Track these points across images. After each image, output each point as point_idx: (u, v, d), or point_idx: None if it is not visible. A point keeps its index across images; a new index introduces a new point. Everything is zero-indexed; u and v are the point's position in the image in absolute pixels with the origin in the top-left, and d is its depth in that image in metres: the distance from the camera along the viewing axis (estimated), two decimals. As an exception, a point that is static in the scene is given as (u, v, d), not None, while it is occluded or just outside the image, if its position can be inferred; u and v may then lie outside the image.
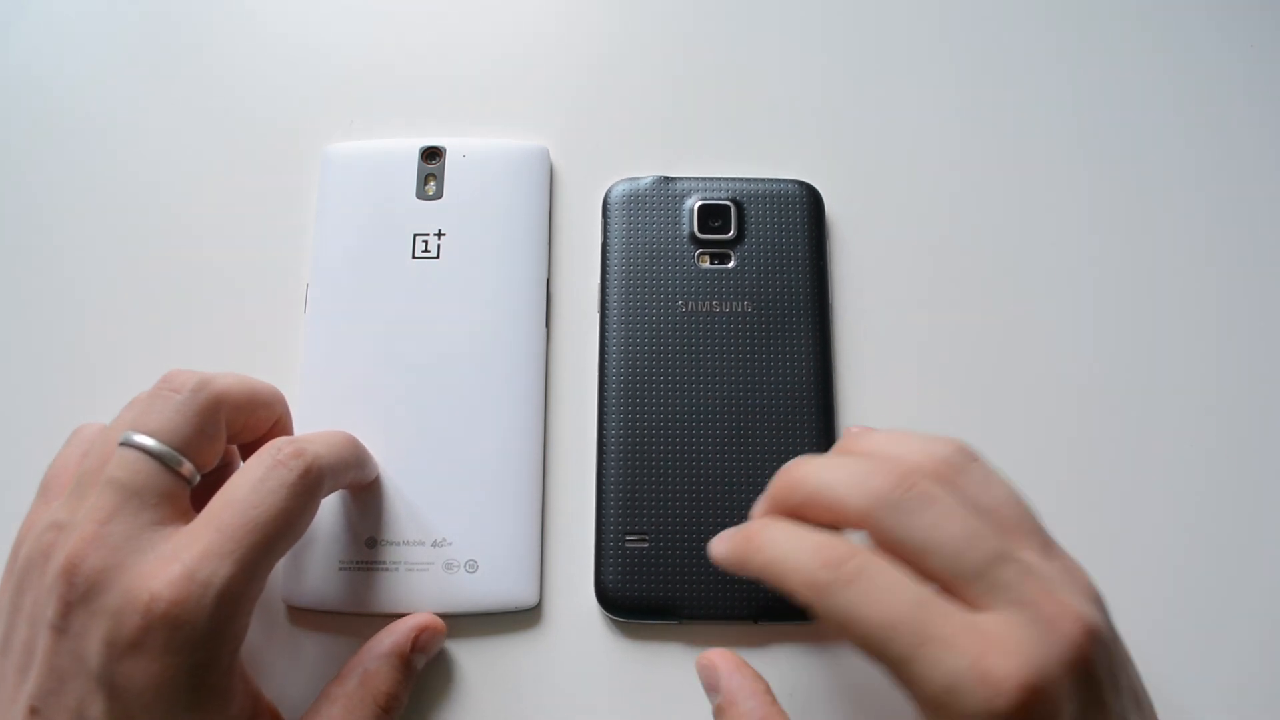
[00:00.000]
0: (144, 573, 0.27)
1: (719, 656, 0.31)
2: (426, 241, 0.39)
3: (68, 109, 0.44)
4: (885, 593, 0.25)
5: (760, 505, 0.31)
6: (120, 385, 0.35)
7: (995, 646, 0.24)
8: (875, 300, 0.40)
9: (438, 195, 0.40)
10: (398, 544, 0.36)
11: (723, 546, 0.30)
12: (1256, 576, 0.37)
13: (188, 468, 0.29)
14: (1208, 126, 0.43)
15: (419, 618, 0.34)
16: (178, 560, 0.27)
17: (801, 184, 0.41)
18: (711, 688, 0.31)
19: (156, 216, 0.42)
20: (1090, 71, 0.44)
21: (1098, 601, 0.27)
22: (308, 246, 0.41)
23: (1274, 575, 0.37)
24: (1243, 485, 0.38)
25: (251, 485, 0.29)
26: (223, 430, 0.31)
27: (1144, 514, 0.38)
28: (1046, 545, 0.27)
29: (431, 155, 0.41)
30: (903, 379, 0.40)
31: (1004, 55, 0.45)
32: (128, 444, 0.29)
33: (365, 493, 0.36)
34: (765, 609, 0.35)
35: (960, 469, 0.28)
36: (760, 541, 0.28)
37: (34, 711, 0.27)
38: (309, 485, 0.30)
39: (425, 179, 0.40)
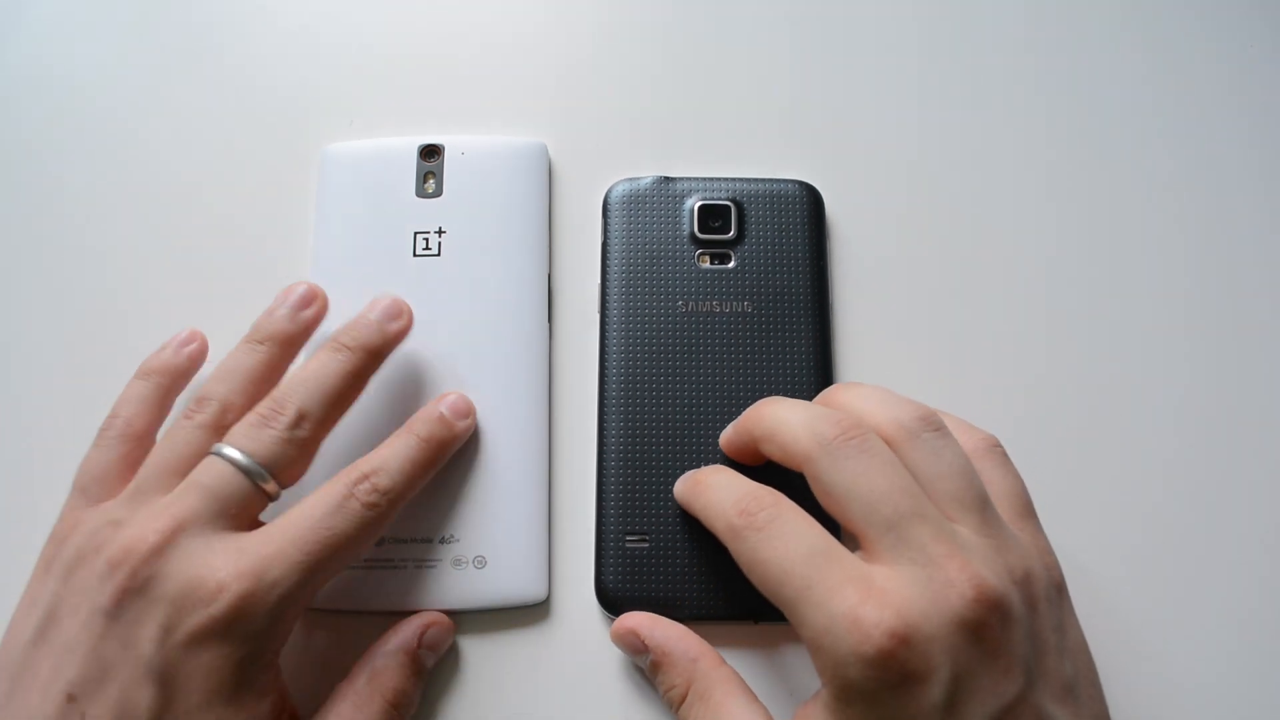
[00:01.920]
0: (213, 564, 0.29)
1: (631, 619, 0.34)
2: (427, 239, 0.41)
3: (67, 110, 0.45)
4: (786, 540, 0.28)
5: (727, 432, 0.35)
6: (121, 383, 0.37)
7: (875, 596, 0.26)
8: (875, 300, 0.42)
9: (437, 193, 0.41)
10: (405, 541, 0.37)
11: (679, 486, 0.35)
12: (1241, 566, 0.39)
13: (272, 486, 0.32)
14: (1209, 128, 0.45)
15: (426, 615, 0.35)
16: (248, 557, 0.29)
17: (801, 184, 0.42)
18: (637, 650, 0.34)
19: (157, 217, 0.43)
20: (1091, 72, 0.46)
21: (1025, 579, 0.28)
22: (308, 246, 0.42)
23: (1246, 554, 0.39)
24: (1248, 498, 0.40)
25: (328, 509, 0.31)
26: (312, 457, 0.34)
27: (1144, 508, 0.39)
28: (985, 523, 0.29)
29: (430, 153, 0.42)
30: (902, 379, 0.41)
31: (1005, 56, 0.46)
32: (219, 455, 0.31)
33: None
34: (765, 609, 0.36)
35: (913, 434, 0.30)
36: (702, 485, 0.33)
37: (71, 699, 0.28)
38: (379, 517, 0.32)
39: (425, 177, 0.42)
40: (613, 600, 0.37)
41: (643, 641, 0.33)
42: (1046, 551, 0.31)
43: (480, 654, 0.37)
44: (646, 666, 0.33)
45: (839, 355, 0.41)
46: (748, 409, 0.33)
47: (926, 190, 0.44)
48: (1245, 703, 0.37)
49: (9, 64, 0.45)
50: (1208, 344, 0.42)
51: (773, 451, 0.31)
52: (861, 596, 0.26)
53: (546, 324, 0.40)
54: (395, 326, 0.36)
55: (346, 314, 0.39)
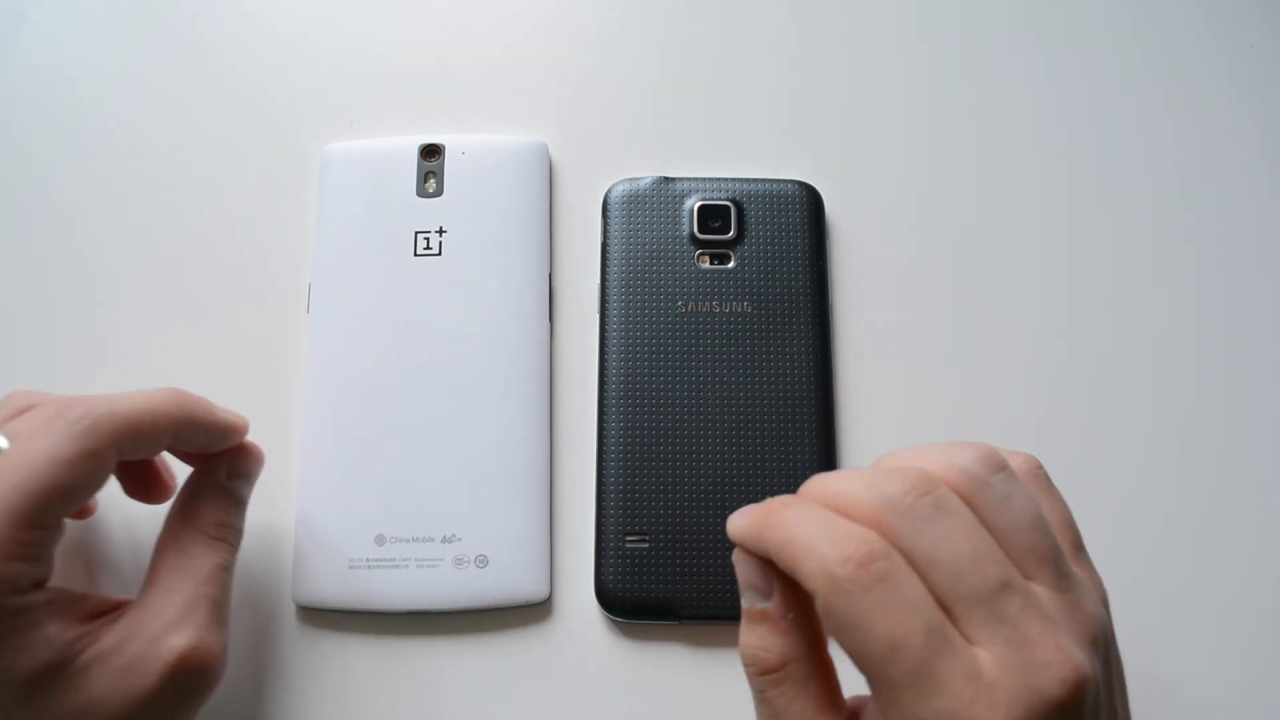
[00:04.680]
0: None
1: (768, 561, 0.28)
2: (428, 239, 0.42)
3: (68, 111, 0.46)
4: (901, 610, 0.24)
5: (743, 520, 0.30)
6: (121, 384, 0.38)
7: (984, 694, 0.24)
8: (875, 300, 0.43)
9: (438, 192, 0.42)
10: (407, 540, 0.38)
11: (742, 520, 0.28)
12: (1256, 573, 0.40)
13: None
14: (1210, 130, 0.45)
15: (227, 451, 0.35)
16: None
17: (801, 184, 0.43)
18: (758, 589, 0.29)
19: (157, 217, 0.44)
20: (1093, 73, 0.46)
21: (1097, 641, 0.27)
22: (309, 246, 0.43)
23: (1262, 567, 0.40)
24: (1258, 507, 0.41)
25: (24, 439, 0.30)
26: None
27: (1145, 508, 0.40)
28: (1060, 576, 0.27)
29: (431, 153, 0.43)
30: (902, 379, 0.42)
31: (1005, 58, 0.47)
32: None
33: (370, 489, 0.39)
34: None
35: (981, 482, 0.28)
36: (783, 518, 0.27)
37: None
38: (89, 436, 0.30)
39: (425, 176, 0.43)
40: (612, 600, 0.38)
41: (771, 587, 0.28)
42: (1100, 586, 0.29)
43: (481, 654, 0.38)
44: (751, 610, 0.29)
45: (838, 355, 0.42)
46: (769, 506, 0.28)
47: (926, 190, 0.44)
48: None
49: (11, 66, 0.46)
50: (1211, 347, 0.42)
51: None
52: (973, 694, 0.24)
53: (547, 324, 0.41)
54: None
55: (347, 313, 0.41)
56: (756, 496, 0.38)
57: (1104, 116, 0.46)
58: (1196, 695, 0.38)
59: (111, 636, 0.30)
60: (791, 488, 0.38)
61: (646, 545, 0.38)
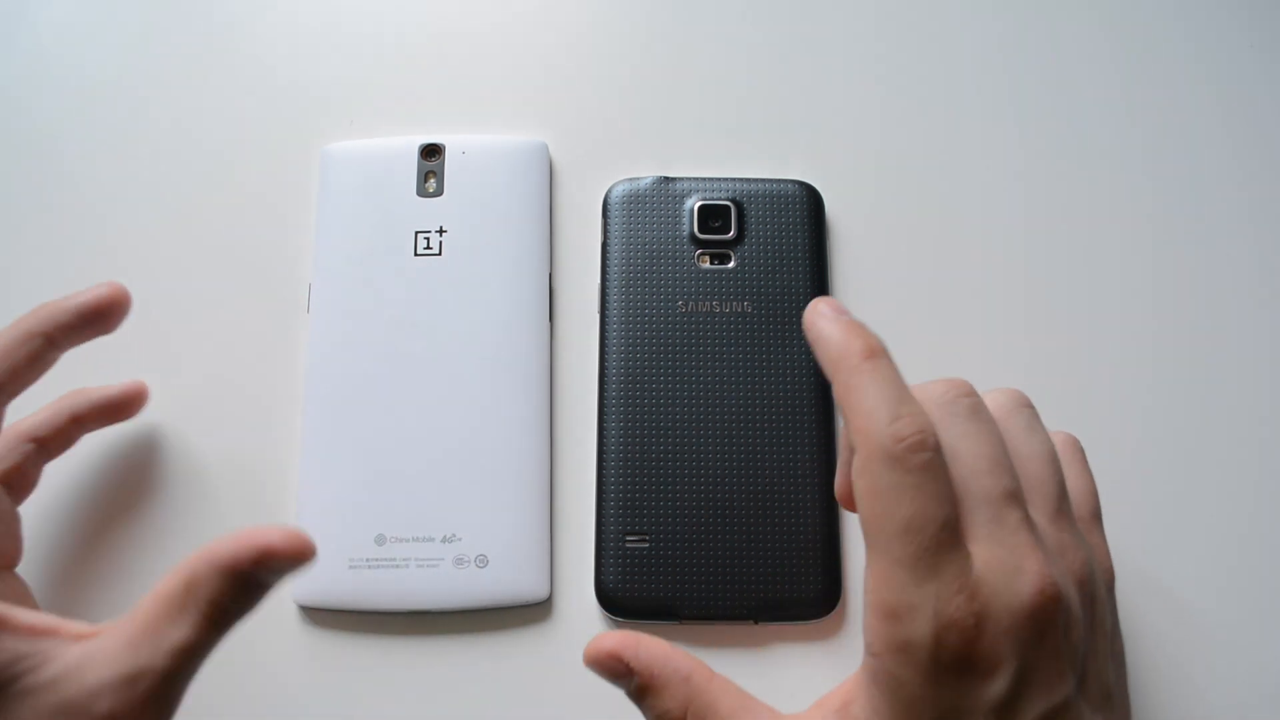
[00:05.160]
0: None
1: (607, 640, 0.30)
2: (428, 238, 0.42)
3: (69, 111, 0.46)
4: (928, 500, 0.26)
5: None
6: (119, 378, 0.38)
7: (967, 589, 0.26)
8: (875, 300, 0.43)
9: (438, 192, 0.42)
10: (407, 540, 0.38)
11: (835, 329, 0.29)
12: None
13: None
14: (1211, 130, 0.46)
15: (273, 535, 0.27)
16: None
17: (801, 184, 0.43)
18: (619, 674, 0.30)
19: (157, 217, 0.44)
20: (1092, 73, 0.46)
21: (1082, 582, 0.28)
22: (309, 246, 0.43)
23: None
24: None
25: None
26: None
27: (1145, 507, 0.40)
28: (1058, 514, 0.29)
29: (431, 152, 0.43)
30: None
31: (1005, 56, 0.47)
32: None
33: (370, 489, 0.39)
34: (765, 609, 0.38)
35: (1010, 410, 0.31)
36: (861, 365, 0.28)
37: None
38: None
39: (425, 176, 0.43)
40: (613, 600, 0.38)
41: (626, 665, 0.30)
42: (1106, 557, 0.31)
43: (481, 653, 0.38)
44: (632, 691, 0.30)
45: (839, 355, 0.42)
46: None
47: (926, 190, 0.45)
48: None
49: (13, 64, 0.46)
50: (1213, 337, 0.43)
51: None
52: (959, 586, 0.26)
53: (547, 324, 0.42)
54: (78, 299, 0.36)
55: (347, 313, 0.41)
56: (756, 496, 0.39)
57: (1105, 116, 0.46)
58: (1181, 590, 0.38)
59: (52, 667, 0.28)
60: (791, 487, 0.39)
61: (646, 545, 0.38)
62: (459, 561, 0.38)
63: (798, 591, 0.38)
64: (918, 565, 0.26)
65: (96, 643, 0.28)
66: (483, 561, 0.38)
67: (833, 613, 0.38)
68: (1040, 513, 0.29)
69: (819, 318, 0.30)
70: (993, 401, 0.31)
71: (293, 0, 0.47)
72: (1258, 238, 0.44)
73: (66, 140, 0.45)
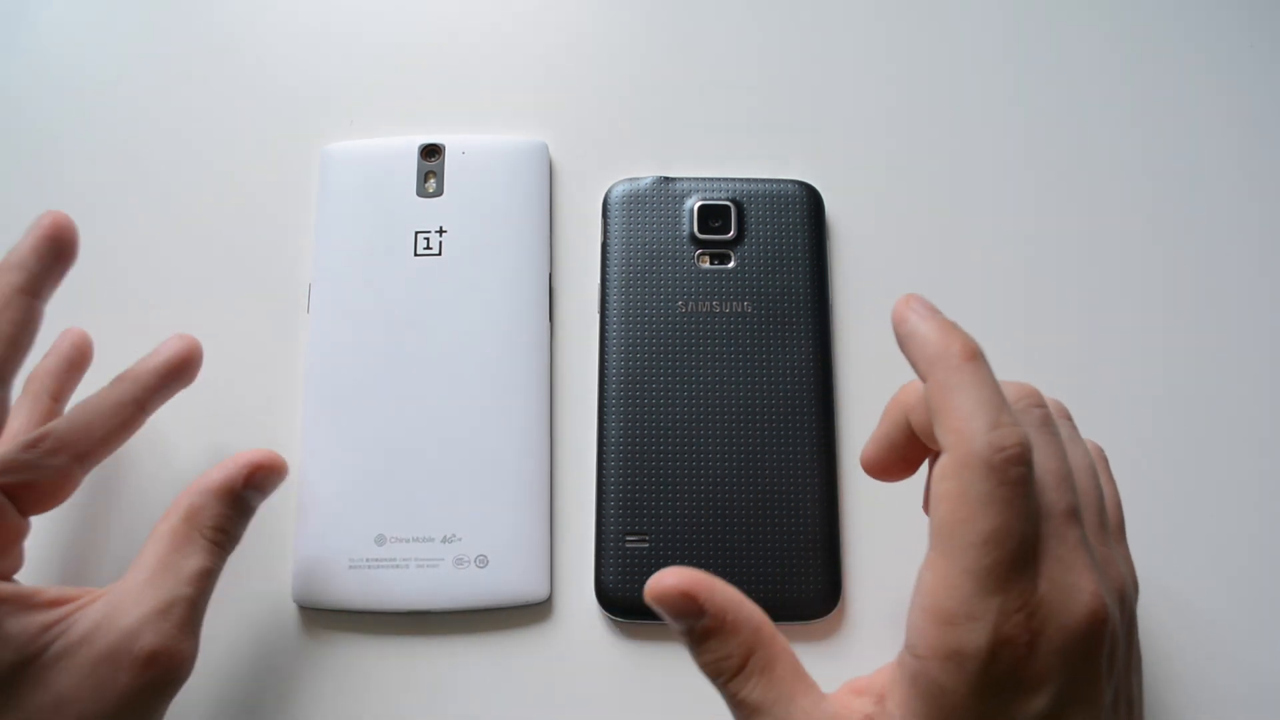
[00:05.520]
0: None
1: (677, 576, 0.29)
2: (428, 239, 0.42)
3: (69, 110, 0.46)
4: (1014, 517, 0.25)
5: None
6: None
7: (1028, 606, 0.25)
8: (875, 300, 0.43)
9: (438, 192, 0.43)
10: (407, 540, 0.38)
11: (932, 328, 0.28)
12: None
13: None
14: (1212, 130, 0.46)
15: (256, 454, 0.34)
16: None
17: (801, 184, 0.43)
18: (689, 613, 0.29)
19: (157, 218, 0.44)
20: (1093, 72, 0.47)
21: (1123, 599, 0.28)
22: (309, 246, 0.43)
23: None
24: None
25: None
26: (70, 486, 0.34)
27: (1149, 510, 0.40)
28: (1100, 528, 0.29)
29: (431, 152, 0.43)
30: (902, 379, 0.41)
31: (1005, 56, 0.47)
32: None
33: (370, 489, 0.39)
34: (765, 609, 0.37)
35: (1058, 420, 0.30)
36: (961, 366, 0.27)
37: None
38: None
39: (425, 176, 0.43)
40: (613, 600, 0.38)
41: (699, 604, 0.28)
42: (1133, 570, 0.31)
43: (481, 653, 0.38)
44: (696, 631, 0.29)
45: (839, 355, 0.42)
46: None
47: (926, 190, 0.45)
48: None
49: (13, 63, 0.46)
50: (1216, 338, 0.43)
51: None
52: (1022, 603, 0.25)
53: (547, 324, 0.42)
54: (159, 360, 0.36)
55: (347, 313, 0.41)
56: (756, 496, 0.39)
57: (1106, 116, 0.46)
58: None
59: (82, 624, 0.30)
60: (791, 487, 0.39)
61: (646, 545, 0.38)
62: (459, 561, 0.38)
63: (798, 591, 0.38)
64: (988, 578, 0.25)
65: (116, 592, 0.31)
66: (483, 561, 0.38)
67: (833, 612, 0.38)
68: (1088, 527, 0.28)
69: (912, 313, 0.29)
70: (1051, 402, 0.31)
71: (293, 0, 0.47)
72: (1260, 238, 0.44)
73: (66, 140, 0.45)
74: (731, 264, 0.42)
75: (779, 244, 0.42)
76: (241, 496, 0.34)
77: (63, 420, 0.33)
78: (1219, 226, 0.44)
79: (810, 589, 0.38)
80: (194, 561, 0.32)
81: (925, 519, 0.38)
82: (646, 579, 0.37)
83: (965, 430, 0.26)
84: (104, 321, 0.42)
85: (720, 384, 0.40)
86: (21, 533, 0.33)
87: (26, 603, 0.30)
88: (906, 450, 0.32)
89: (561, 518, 0.40)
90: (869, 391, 0.41)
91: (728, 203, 0.42)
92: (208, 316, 0.42)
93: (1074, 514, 0.27)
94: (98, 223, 0.44)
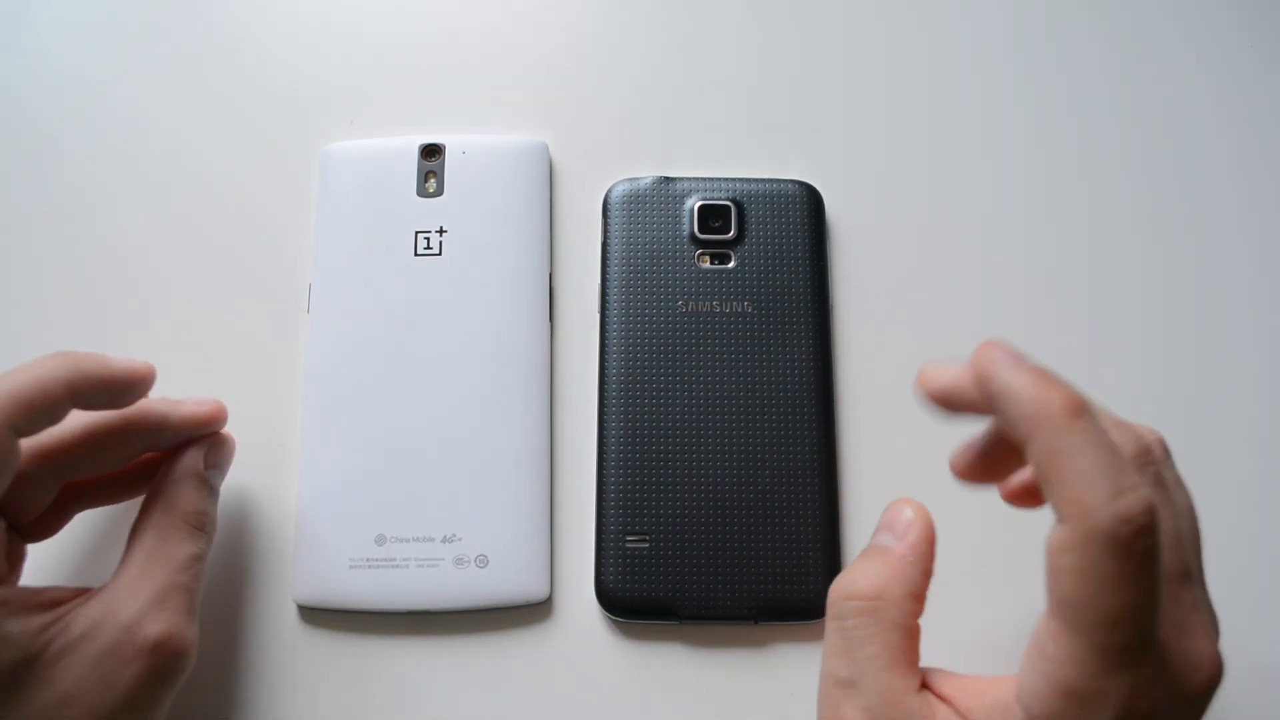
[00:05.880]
0: None
1: (923, 512, 0.28)
2: (428, 238, 0.42)
3: (69, 110, 0.46)
4: (1142, 592, 0.23)
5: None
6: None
7: (1155, 677, 0.24)
8: (875, 300, 0.43)
9: (438, 192, 0.43)
10: (407, 540, 0.38)
11: (1026, 382, 0.25)
12: None
13: None
14: (1212, 131, 0.46)
15: (205, 438, 0.36)
16: None
17: (801, 184, 0.43)
18: (893, 530, 0.28)
19: (157, 218, 0.44)
20: (1094, 72, 0.47)
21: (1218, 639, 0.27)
22: (309, 246, 0.43)
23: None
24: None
25: None
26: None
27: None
28: (1199, 572, 0.28)
29: (431, 152, 0.43)
30: (903, 379, 0.41)
31: (1005, 56, 0.47)
32: None
33: (370, 489, 0.39)
34: (765, 609, 0.38)
35: (1165, 464, 0.28)
36: (1069, 424, 0.24)
37: None
38: None
39: (425, 176, 0.43)
40: (613, 600, 0.38)
41: (913, 532, 0.28)
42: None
43: (481, 653, 0.38)
44: (875, 544, 0.28)
45: (839, 355, 0.42)
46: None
47: (926, 190, 0.45)
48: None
49: (13, 63, 0.46)
50: (1216, 338, 0.43)
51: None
52: (1152, 677, 0.24)
53: (547, 324, 0.42)
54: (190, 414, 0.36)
55: (347, 313, 0.41)
56: (756, 496, 0.39)
57: (1106, 116, 0.46)
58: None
59: (81, 622, 0.30)
60: (791, 487, 0.39)
61: (646, 545, 0.38)
62: (459, 561, 0.38)
63: (798, 591, 0.38)
64: (1120, 655, 0.24)
65: (111, 589, 0.32)
66: (483, 561, 0.38)
67: (833, 613, 0.38)
68: (1196, 582, 0.27)
69: (998, 367, 0.26)
70: (1162, 447, 0.28)
71: (292, 0, 0.47)
72: (1260, 238, 0.44)
73: (66, 140, 0.45)
74: (731, 264, 0.42)
75: (779, 244, 0.42)
76: (205, 478, 0.35)
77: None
78: (1219, 226, 0.44)
79: (810, 589, 0.38)
80: (182, 549, 0.33)
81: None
82: (647, 579, 0.38)
83: (1085, 501, 0.23)
84: (104, 322, 0.42)
85: (720, 384, 0.40)
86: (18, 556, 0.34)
87: (25, 603, 0.31)
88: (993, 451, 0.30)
89: (561, 518, 0.40)
90: (869, 391, 0.42)
91: (728, 203, 0.42)
92: (208, 316, 0.42)
93: (1189, 575, 0.26)
94: (98, 223, 0.44)
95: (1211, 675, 0.25)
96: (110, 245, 0.43)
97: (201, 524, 0.34)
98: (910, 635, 0.27)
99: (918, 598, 0.28)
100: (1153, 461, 0.27)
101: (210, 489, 0.35)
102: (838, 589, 0.28)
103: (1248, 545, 0.40)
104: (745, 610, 0.38)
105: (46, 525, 0.35)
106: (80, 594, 0.32)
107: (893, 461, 0.41)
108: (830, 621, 0.28)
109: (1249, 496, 0.41)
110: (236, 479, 0.40)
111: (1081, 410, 0.24)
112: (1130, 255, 0.44)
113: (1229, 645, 0.38)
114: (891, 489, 0.40)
